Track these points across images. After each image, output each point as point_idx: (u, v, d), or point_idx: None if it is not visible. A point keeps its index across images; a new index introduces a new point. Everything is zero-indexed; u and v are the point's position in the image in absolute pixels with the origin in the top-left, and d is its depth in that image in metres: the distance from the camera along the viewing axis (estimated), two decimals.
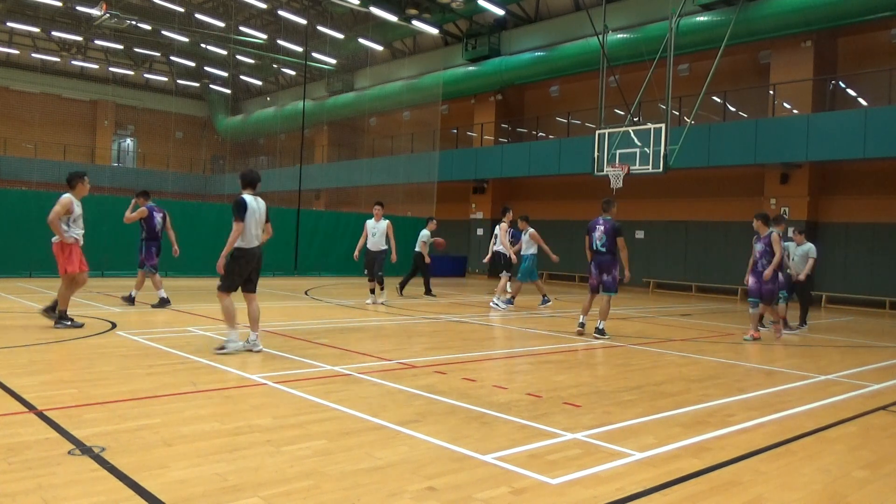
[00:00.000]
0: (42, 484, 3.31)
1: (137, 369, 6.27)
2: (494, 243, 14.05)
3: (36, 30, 34.82)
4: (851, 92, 19.84)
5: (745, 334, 10.24)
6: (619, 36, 21.36)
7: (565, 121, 25.36)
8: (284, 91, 39.58)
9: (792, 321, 12.14)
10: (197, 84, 43.46)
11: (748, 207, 18.55)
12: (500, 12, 24.76)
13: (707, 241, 20.97)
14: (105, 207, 17.60)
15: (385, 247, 13.05)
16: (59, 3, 30.49)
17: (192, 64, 40.15)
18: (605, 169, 17.71)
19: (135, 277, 11.83)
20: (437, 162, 26.88)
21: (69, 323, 8.38)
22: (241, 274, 7.22)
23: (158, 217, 11.48)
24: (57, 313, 8.41)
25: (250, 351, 7.20)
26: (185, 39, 35.32)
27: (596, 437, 4.53)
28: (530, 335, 9.90)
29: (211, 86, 43.37)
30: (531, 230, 13.82)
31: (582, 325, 9.95)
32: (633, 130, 17.24)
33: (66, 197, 8.46)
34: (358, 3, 26.78)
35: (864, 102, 19.34)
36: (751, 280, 10.15)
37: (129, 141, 44.02)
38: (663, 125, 16.53)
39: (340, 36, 31.01)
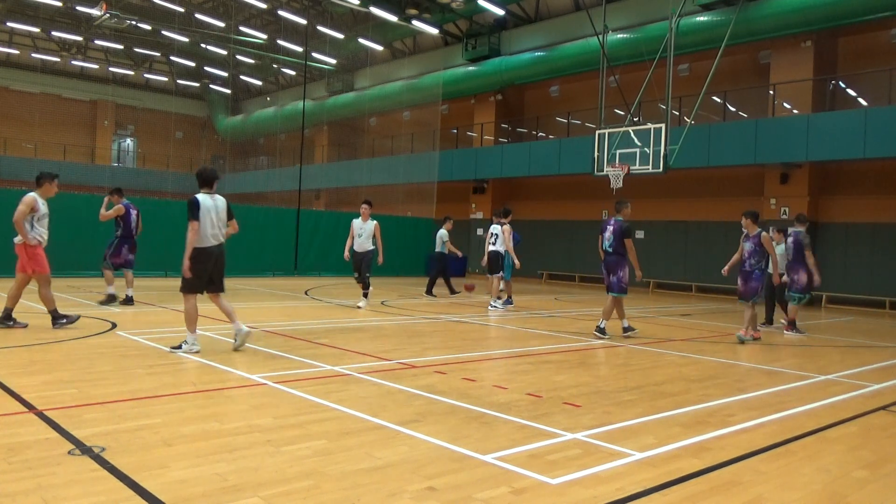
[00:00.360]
0: (42, 484, 3.31)
1: (137, 369, 6.27)
2: (494, 243, 13.76)
3: (36, 30, 34.81)
4: (851, 92, 19.84)
5: (745, 334, 10.07)
6: (619, 36, 21.36)
7: (565, 121, 25.36)
8: (284, 91, 39.59)
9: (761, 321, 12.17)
10: (197, 84, 43.46)
11: (748, 207, 18.53)
12: (500, 12, 24.76)
13: (707, 241, 20.95)
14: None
15: (372, 247, 12.45)
16: (59, 3, 30.49)
17: (192, 64, 40.14)
18: (605, 169, 17.70)
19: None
20: (437, 162, 26.88)
21: (64, 321, 8.38)
22: (200, 274, 7.11)
23: (134, 214, 11.50)
24: (51, 314, 8.40)
25: (236, 348, 7.20)
26: (185, 39, 35.32)
27: (596, 437, 4.54)
28: (530, 335, 9.90)
29: (211, 86, 43.37)
30: (507, 226, 13.81)
31: (601, 329, 9.85)
32: (633, 130, 17.24)
33: (31, 196, 8.26)
34: (358, 3, 26.78)
35: (864, 102, 19.33)
36: (739, 280, 9.99)
37: (129, 141, 44.02)
38: (663, 125, 16.53)
39: (340, 36, 31.02)
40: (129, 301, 11.25)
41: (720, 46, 17.78)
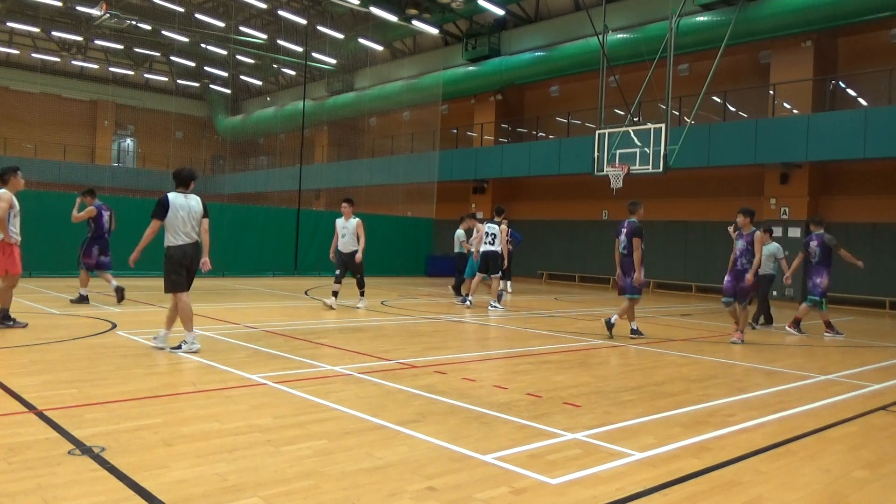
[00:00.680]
0: (42, 484, 3.31)
1: (137, 369, 6.27)
2: (492, 243, 13.55)
3: (36, 30, 34.82)
4: (851, 92, 19.84)
5: (732, 336, 9.83)
6: (619, 36, 21.36)
7: (565, 121, 25.36)
8: (284, 91, 39.59)
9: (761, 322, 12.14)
10: (197, 84, 43.47)
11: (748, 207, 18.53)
12: (500, 12, 24.76)
13: (707, 241, 20.96)
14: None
15: (357, 247, 12.00)
16: (59, 3, 30.49)
17: (192, 64, 40.15)
18: (605, 169, 17.71)
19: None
20: (437, 162, 26.89)
21: (11, 323, 8.33)
22: (179, 271, 7.17)
23: (106, 216, 11.52)
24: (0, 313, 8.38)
25: (165, 348, 7.17)
26: (185, 39, 35.33)
27: (596, 437, 4.53)
28: (530, 335, 9.90)
29: (211, 86, 43.38)
30: (480, 226, 13.79)
31: (634, 329, 9.85)
32: (633, 130, 17.24)
33: (5, 192, 8.19)
34: (358, 3, 26.79)
35: (864, 102, 19.34)
36: (727, 279, 9.78)
37: (129, 141, 44.02)
38: (663, 125, 16.53)
39: (340, 36, 31.02)
40: (120, 293, 11.29)
41: (720, 46, 17.79)
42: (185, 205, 7.18)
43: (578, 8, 24.26)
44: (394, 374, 6.43)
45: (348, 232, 11.91)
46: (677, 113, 20.38)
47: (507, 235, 13.96)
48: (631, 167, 17.09)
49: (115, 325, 8.83)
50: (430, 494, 3.41)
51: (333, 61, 33.52)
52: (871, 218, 18.17)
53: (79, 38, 36.85)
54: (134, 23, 31.48)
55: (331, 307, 11.86)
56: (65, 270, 16.69)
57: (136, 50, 39.01)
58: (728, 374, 7.38)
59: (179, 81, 42.82)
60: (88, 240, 11.37)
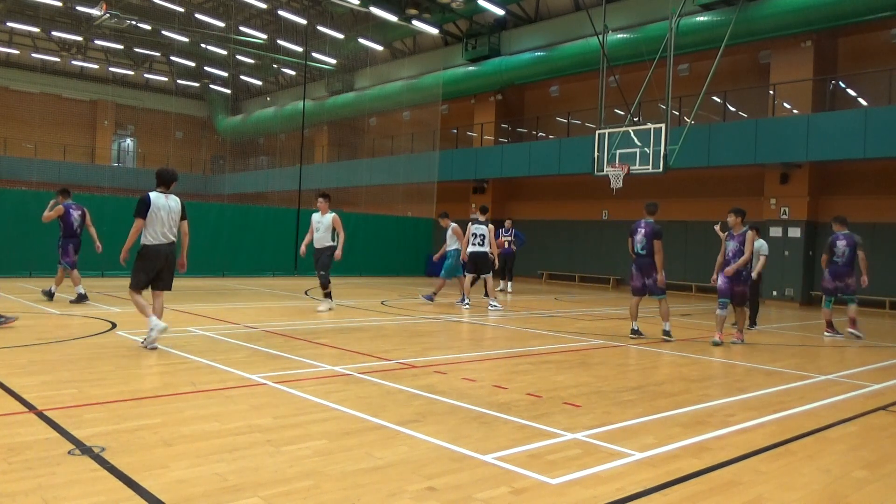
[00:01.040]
0: (42, 484, 3.31)
1: (137, 369, 6.27)
2: (481, 244, 13.54)
3: (36, 30, 34.81)
4: (851, 92, 19.83)
5: (714, 336, 9.51)
6: (619, 36, 21.36)
7: (565, 121, 25.36)
8: (284, 91, 39.59)
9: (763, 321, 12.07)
10: (197, 84, 43.46)
11: (748, 207, 18.48)
12: (500, 12, 24.75)
13: (707, 241, 20.91)
14: (105, 208, 17.61)
15: (331, 243, 11.53)
16: (59, 3, 30.48)
17: (192, 64, 40.15)
18: (605, 169, 17.70)
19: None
20: (437, 162, 26.88)
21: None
22: (147, 271, 7.30)
23: (76, 214, 11.56)
24: None
25: (153, 347, 7.20)
26: (185, 39, 35.32)
27: (596, 437, 4.54)
28: (530, 335, 9.90)
29: (211, 86, 43.37)
30: (454, 225, 13.74)
31: (635, 330, 9.84)
32: (633, 130, 17.24)
33: None
34: (358, 3, 26.78)
35: (864, 102, 19.33)
36: (721, 280, 9.55)
37: (129, 141, 44.02)
38: (663, 125, 16.53)
39: (340, 36, 31.02)
40: (50, 295, 11.39)
41: (720, 46, 17.78)
42: (165, 205, 7.33)
43: (578, 8, 24.26)
44: (394, 374, 6.44)
45: (322, 227, 11.55)
46: (677, 113, 20.37)
47: (493, 234, 13.89)
48: (631, 167, 17.09)
49: (114, 325, 8.83)
50: (430, 494, 3.41)
51: (333, 61, 33.51)
52: (871, 218, 18.16)
53: (79, 38, 36.83)
54: (134, 23, 31.45)
55: (329, 309, 11.66)
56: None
57: (136, 50, 39.00)
58: (728, 374, 7.38)
59: (179, 81, 42.81)
60: (62, 239, 11.42)
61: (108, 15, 26.64)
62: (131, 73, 41.52)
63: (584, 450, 4.26)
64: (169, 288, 7.52)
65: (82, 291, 11.23)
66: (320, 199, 11.78)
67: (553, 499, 3.43)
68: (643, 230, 9.71)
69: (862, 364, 8.40)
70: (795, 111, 19.31)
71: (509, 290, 18.23)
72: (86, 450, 3.82)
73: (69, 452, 3.78)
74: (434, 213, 26.21)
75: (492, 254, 13.76)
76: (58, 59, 38.82)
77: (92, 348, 7.15)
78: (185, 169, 43.13)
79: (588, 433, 4.62)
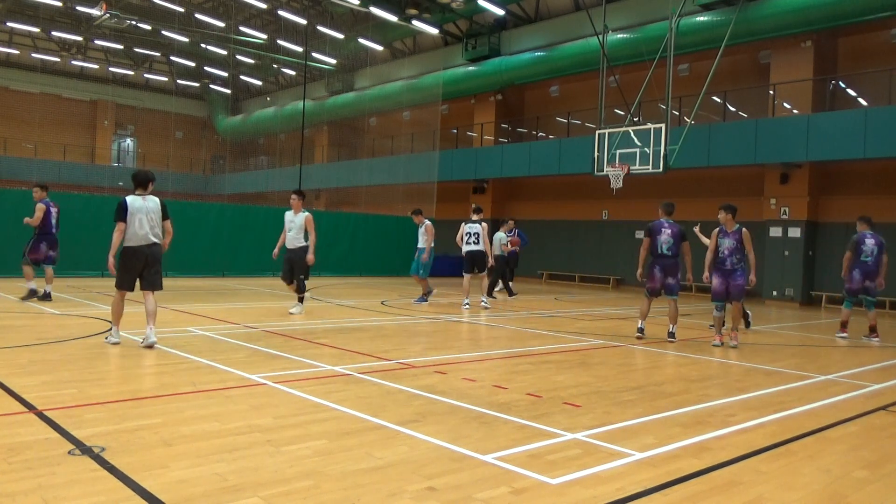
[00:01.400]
0: (42, 484, 3.31)
1: (137, 369, 6.27)
2: (476, 243, 13.56)
3: (36, 30, 34.81)
4: (851, 92, 19.83)
5: (714, 339, 9.47)
6: (619, 36, 21.36)
7: (565, 121, 25.36)
8: (284, 91, 39.58)
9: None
10: (197, 84, 43.45)
11: (748, 207, 18.54)
12: (500, 12, 24.75)
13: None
14: (105, 208, 17.63)
15: (304, 243, 11.02)
16: (59, 3, 30.48)
17: (192, 64, 40.14)
18: (605, 169, 17.70)
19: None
20: (437, 162, 26.88)
21: None
22: (129, 270, 7.39)
23: (54, 212, 11.65)
24: None
25: (150, 347, 7.24)
26: (185, 39, 35.31)
27: (596, 437, 4.53)
28: (530, 335, 9.90)
29: (211, 86, 43.36)
30: (427, 223, 13.75)
31: (641, 329, 9.80)
32: (633, 130, 17.24)
33: None
34: (358, 3, 26.78)
35: (864, 102, 19.33)
36: (716, 280, 9.31)
37: (129, 141, 44.02)
38: (663, 125, 16.53)
39: (340, 36, 31.01)
40: (47, 297, 11.37)
41: (720, 46, 17.78)
42: (142, 207, 7.40)
43: (578, 8, 24.26)
44: (394, 374, 6.43)
45: (295, 227, 11.01)
46: (677, 113, 20.37)
47: (487, 233, 13.93)
48: (631, 167, 17.09)
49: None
50: (430, 494, 3.41)
51: (333, 61, 33.51)
52: (872, 218, 18.16)
53: (79, 38, 36.83)
54: (134, 23, 31.44)
55: (299, 313, 10.95)
56: (65, 270, 16.69)
57: (136, 50, 38.99)
58: (728, 374, 7.38)
59: (179, 81, 42.81)
60: (36, 236, 11.46)
61: (108, 15, 26.64)
62: (131, 73, 41.52)
63: (584, 450, 4.26)
64: (156, 287, 7.55)
65: (33, 287, 11.30)
66: (293, 197, 11.18)
67: (553, 499, 3.43)
68: (669, 230, 9.67)
69: (862, 364, 8.40)
70: (795, 111, 19.31)
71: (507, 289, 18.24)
72: (86, 450, 3.82)
73: (69, 452, 3.77)
74: (434, 213, 26.21)
75: (488, 251, 13.78)
76: (58, 59, 38.82)
77: (92, 348, 7.15)
78: (185, 169, 43.14)
79: (588, 433, 4.62)
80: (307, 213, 11.05)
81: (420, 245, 13.80)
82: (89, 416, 4.55)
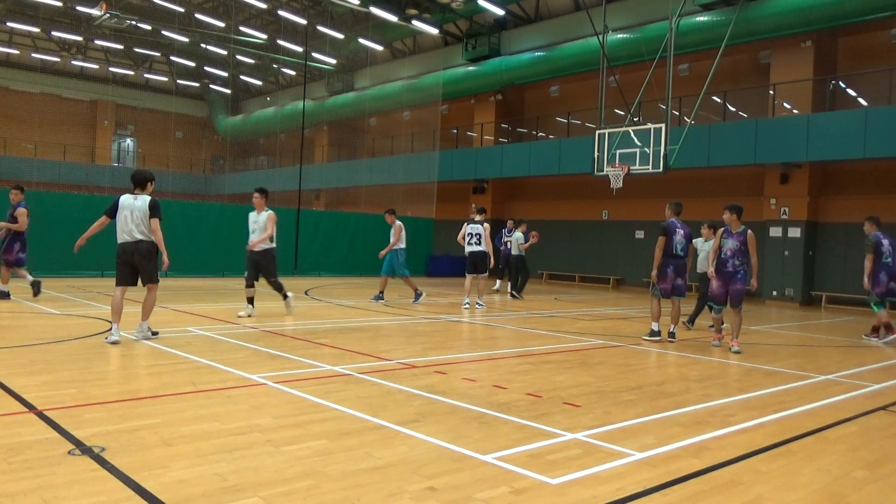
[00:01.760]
0: (42, 484, 3.31)
1: (137, 369, 6.27)
2: (478, 243, 13.53)
3: (36, 30, 34.82)
4: (851, 92, 19.84)
5: (713, 340, 9.38)
6: (619, 36, 21.36)
7: (565, 121, 25.36)
8: (284, 91, 39.59)
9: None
10: (197, 84, 43.46)
11: (748, 207, 18.43)
12: (500, 12, 24.76)
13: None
14: (105, 208, 17.58)
15: (270, 245, 10.64)
16: (59, 3, 30.49)
17: (192, 64, 40.15)
18: (605, 169, 17.70)
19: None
20: (437, 162, 26.89)
21: None
22: (119, 266, 7.67)
23: (26, 212, 11.64)
24: None
25: (149, 339, 7.59)
26: (185, 39, 35.32)
27: (596, 437, 4.53)
28: (530, 335, 9.90)
29: (211, 86, 43.37)
30: (398, 223, 13.76)
31: (658, 332, 9.69)
32: (633, 130, 17.24)
33: None
34: (358, 3, 26.78)
35: (864, 102, 19.33)
36: (716, 282, 9.06)
37: (129, 141, 44.02)
38: (663, 125, 16.53)
39: (340, 36, 31.02)
40: (5, 296, 11.34)
41: (720, 46, 17.78)
42: (131, 205, 7.63)
43: (578, 8, 24.26)
44: (394, 374, 6.43)
45: (258, 227, 10.51)
46: (677, 113, 20.37)
47: (489, 234, 13.91)
48: (631, 167, 17.09)
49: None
50: (430, 494, 3.41)
51: (333, 61, 33.51)
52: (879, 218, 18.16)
53: (79, 38, 36.84)
54: (134, 23, 31.45)
55: (249, 315, 10.31)
56: (65, 270, 16.69)
57: (136, 50, 39.00)
58: (728, 374, 7.38)
59: (179, 81, 42.82)
60: (10, 237, 11.43)
61: (108, 15, 26.65)
62: (131, 73, 41.52)
63: (584, 450, 4.26)
64: (150, 281, 7.79)
65: (5, 289, 11.30)
66: (256, 195, 10.59)
67: (553, 499, 3.43)
68: (682, 231, 9.62)
69: (862, 364, 8.40)
70: (795, 111, 19.31)
71: (509, 289, 18.23)
72: (86, 450, 3.82)
73: (69, 452, 3.77)
74: (434, 213, 26.22)
75: (402, 251, 13.81)
76: (58, 59, 38.83)
77: (92, 348, 7.15)
78: (185, 169, 43.15)
79: (588, 433, 4.62)
80: (270, 212, 10.59)
81: (401, 245, 13.79)
82: (89, 416, 4.55)
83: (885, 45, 18.67)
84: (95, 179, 34.76)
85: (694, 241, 10.89)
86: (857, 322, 14.38)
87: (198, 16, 32.40)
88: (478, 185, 26.81)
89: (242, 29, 33.66)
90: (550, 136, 25.99)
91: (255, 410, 4.87)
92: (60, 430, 4.17)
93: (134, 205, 7.61)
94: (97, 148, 40.79)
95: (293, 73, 37.62)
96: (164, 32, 34.06)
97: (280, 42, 32.55)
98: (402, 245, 13.72)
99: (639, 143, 16.98)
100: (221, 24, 33.23)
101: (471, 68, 27.16)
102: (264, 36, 33.90)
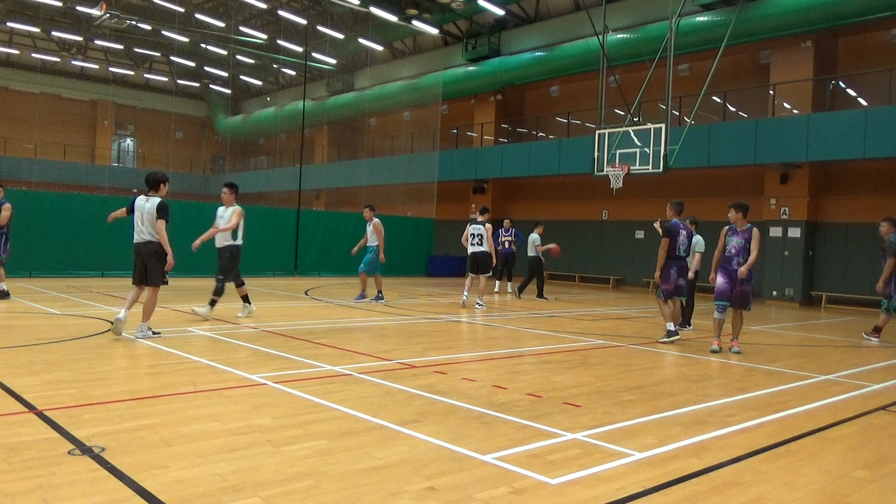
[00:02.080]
0: (42, 484, 3.31)
1: (137, 369, 6.27)
2: (480, 244, 13.51)
3: (36, 30, 34.82)
4: (851, 92, 19.84)
5: (712, 344, 8.89)
6: (619, 36, 21.36)
7: (565, 121, 25.36)
8: (284, 91, 39.58)
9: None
10: (197, 84, 43.45)
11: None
12: (500, 12, 24.76)
13: (707, 242, 20.92)
14: (106, 208, 17.60)
15: (232, 241, 9.94)
16: (59, 3, 30.49)
17: (192, 64, 40.14)
18: (605, 169, 17.70)
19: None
20: (437, 162, 26.89)
21: None
22: (135, 266, 7.97)
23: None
24: None
25: (149, 338, 7.78)
26: (185, 39, 35.32)
27: (596, 437, 4.53)
28: (530, 335, 9.90)
29: (211, 86, 43.36)
30: (376, 220, 13.66)
31: (676, 332, 9.50)
32: (633, 130, 17.23)
33: None
34: (358, 3, 26.78)
35: (864, 102, 19.33)
36: (720, 280, 8.79)
37: (129, 141, 44.02)
38: (663, 125, 16.52)
39: (340, 36, 31.02)
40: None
41: (720, 46, 17.78)
42: (142, 207, 7.87)
43: (578, 8, 24.26)
44: (394, 374, 6.44)
45: (223, 222, 9.92)
46: (677, 113, 20.37)
47: (492, 235, 13.89)
48: (631, 167, 17.09)
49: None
50: (430, 494, 3.41)
51: (333, 61, 33.51)
52: (871, 218, 18.15)
53: (79, 38, 36.82)
54: (134, 23, 31.46)
55: (204, 318, 9.74)
56: (65, 270, 16.70)
57: (136, 50, 38.99)
58: (728, 374, 7.38)
59: (179, 81, 42.81)
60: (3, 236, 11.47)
61: (108, 15, 26.66)
62: (131, 73, 41.52)
63: (584, 450, 4.26)
64: (151, 284, 7.91)
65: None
66: (224, 190, 10.04)
67: (553, 499, 3.43)
68: (685, 232, 9.58)
69: (862, 364, 8.40)
70: (795, 111, 19.31)
71: (509, 290, 18.25)
72: (86, 450, 3.82)
73: (69, 452, 3.77)
74: (434, 213, 26.23)
75: (377, 248, 13.66)
76: (58, 59, 38.82)
77: (92, 348, 7.15)
78: (185, 169, 43.14)
79: (588, 433, 4.62)
80: (236, 207, 9.95)
81: (371, 243, 13.60)
82: (89, 416, 4.55)
83: (885, 45, 18.67)
84: (95, 179, 34.76)
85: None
86: (857, 322, 14.39)
87: (198, 16, 32.40)
88: (478, 185, 26.81)
89: (242, 29, 33.66)
90: (550, 136, 25.99)
91: (255, 410, 4.87)
92: (60, 430, 4.17)
93: (144, 206, 7.82)
94: (97, 148, 40.79)
95: (293, 73, 37.62)
96: (163, 32, 34.06)
97: (280, 42, 32.55)
98: (376, 243, 13.62)
99: (639, 143, 16.98)
100: (221, 24, 33.23)
101: (471, 68, 27.16)
102: (264, 36, 33.90)
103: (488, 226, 13.71)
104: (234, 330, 8.91)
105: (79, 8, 31.24)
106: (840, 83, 19.88)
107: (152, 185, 7.91)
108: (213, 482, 3.44)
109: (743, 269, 8.57)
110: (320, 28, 30.59)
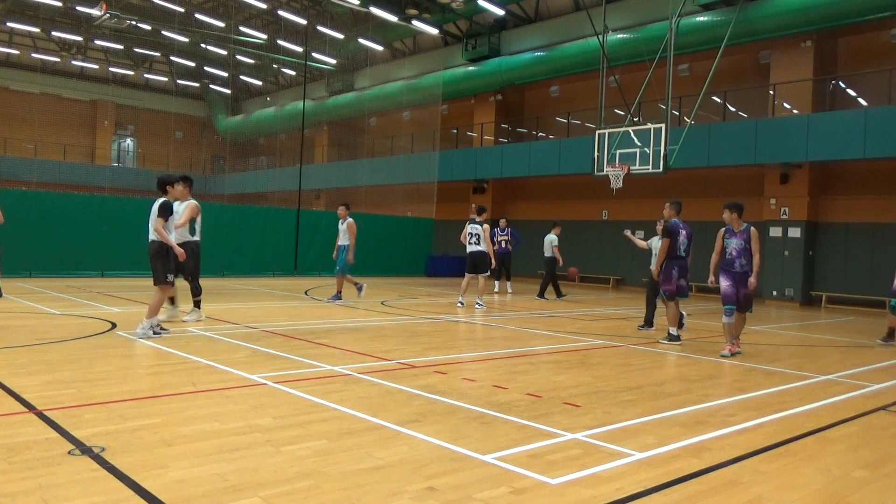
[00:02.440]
0: (42, 484, 3.31)
1: (137, 369, 6.27)
2: (478, 244, 13.49)
3: (36, 30, 34.80)
4: (851, 92, 19.84)
5: (723, 349, 8.65)
6: (619, 36, 21.36)
7: (565, 121, 25.36)
8: (284, 91, 39.57)
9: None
10: (197, 84, 43.44)
11: (748, 207, 18.44)
12: (500, 12, 24.76)
13: (707, 242, 20.89)
14: (106, 208, 17.64)
15: (190, 238, 9.50)
16: (59, 3, 30.48)
17: (192, 64, 40.13)
18: (605, 169, 17.70)
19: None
20: (437, 162, 26.89)
21: None
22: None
23: None
24: None
25: (149, 338, 7.92)
26: (185, 39, 35.31)
27: (596, 437, 4.53)
28: (530, 335, 9.90)
29: (211, 86, 43.35)
30: (349, 220, 13.60)
31: (680, 332, 9.58)
32: (633, 130, 17.23)
33: None
34: (358, 3, 26.78)
35: (864, 102, 19.33)
36: (725, 283, 8.54)
37: (129, 141, 44.01)
38: (663, 125, 16.52)
39: (340, 36, 31.01)
40: None
41: (720, 46, 17.78)
42: (151, 208, 8.19)
43: (578, 8, 24.26)
44: (394, 374, 6.44)
45: (177, 216, 9.15)
46: (677, 113, 20.37)
47: (489, 234, 13.87)
48: (631, 167, 17.09)
49: (114, 325, 8.82)
50: (430, 494, 3.41)
51: (333, 61, 33.50)
52: (871, 218, 18.17)
53: (79, 38, 36.81)
54: (134, 23, 31.44)
55: (198, 321, 9.51)
56: (65, 270, 16.70)
57: (136, 50, 38.98)
58: (728, 374, 7.38)
59: (179, 81, 42.80)
60: None
61: (108, 15, 26.66)
62: (131, 73, 41.50)
63: (584, 450, 4.26)
64: (155, 281, 8.12)
65: None
66: (178, 185, 8.90)
67: (553, 499, 3.43)
68: (685, 231, 9.53)
69: (862, 364, 8.40)
70: (795, 111, 19.31)
71: (509, 290, 18.27)
72: (86, 450, 3.82)
73: (69, 452, 3.77)
74: (434, 213, 26.23)
75: (490, 252, 13.75)
76: (58, 59, 38.81)
77: (92, 348, 7.15)
78: (185, 169, 43.09)
79: (588, 433, 4.62)
80: (191, 201, 9.48)
81: (342, 242, 13.53)
82: (89, 416, 4.55)
83: (885, 45, 18.67)
84: (95, 179, 34.74)
85: (649, 240, 10.97)
86: (857, 322, 14.39)
87: (198, 16, 32.39)
88: (478, 185, 26.81)
89: (242, 29, 33.65)
90: (550, 136, 25.99)
91: (255, 410, 4.87)
92: (60, 430, 4.17)
93: (151, 207, 8.15)
94: (97, 148, 40.77)
95: (293, 73, 37.61)
96: (163, 32, 34.04)
97: (280, 42, 32.54)
98: (348, 243, 13.58)
99: (639, 143, 16.98)
100: (221, 24, 33.22)
101: (471, 68, 27.16)
102: (264, 36, 33.89)
103: (486, 226, 13.71)
104: (234, 330, 8.91)
105: (79, 8, 31.23)
106: (840, 83, 19.88)
107: (159, 186, 8.27)
108: (213, 482, 3.44)
109: (752, 280, 8.40)
110: (320, 28, 30.59)
